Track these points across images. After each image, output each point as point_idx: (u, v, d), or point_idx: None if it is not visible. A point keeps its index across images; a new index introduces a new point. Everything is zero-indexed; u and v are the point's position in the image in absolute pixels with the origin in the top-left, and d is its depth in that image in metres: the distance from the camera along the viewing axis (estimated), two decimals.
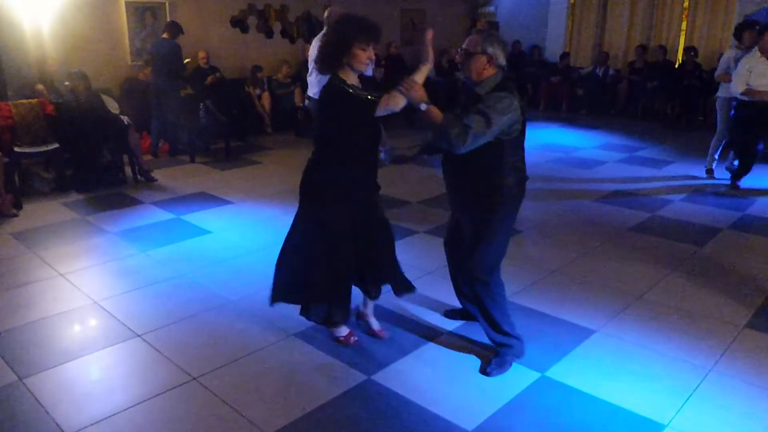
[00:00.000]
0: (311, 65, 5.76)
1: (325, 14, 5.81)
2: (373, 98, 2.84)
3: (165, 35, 7.46)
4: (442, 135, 2.73)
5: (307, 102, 6.08)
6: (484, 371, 3.06)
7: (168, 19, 8.08)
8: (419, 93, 2.78)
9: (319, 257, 3.09)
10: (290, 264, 3.22)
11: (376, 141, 3.09)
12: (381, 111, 2.83)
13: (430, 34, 2.95)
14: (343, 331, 3.32)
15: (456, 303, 3.59)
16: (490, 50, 2.84)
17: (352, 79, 2.94)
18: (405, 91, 2.76)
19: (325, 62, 2.95)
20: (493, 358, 3.12)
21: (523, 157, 3.00)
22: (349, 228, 3.09)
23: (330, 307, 3.17)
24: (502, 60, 2.89)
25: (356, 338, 3.33)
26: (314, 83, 5.71)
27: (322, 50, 2.95)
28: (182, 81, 7.87)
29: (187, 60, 7.95)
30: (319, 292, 3.15)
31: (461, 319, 3.57)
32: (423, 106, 2.78)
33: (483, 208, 2.96)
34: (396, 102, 2.81)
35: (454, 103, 3.07)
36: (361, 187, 3.08)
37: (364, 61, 2.90)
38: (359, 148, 2.99)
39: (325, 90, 2.97)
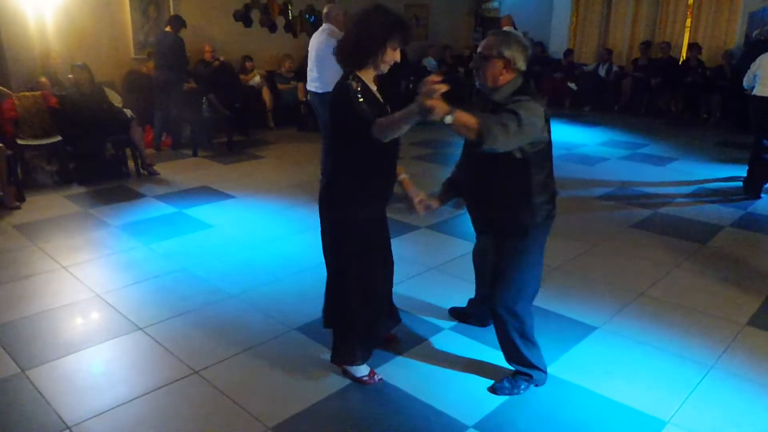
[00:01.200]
0: (311, 59, 5.74)
1: (324, 10, 5.77)
2: (372, 119, 2.52)
3: (168, 29, 7.45)
4: (487, 135, 2.36)
5: (308, 96, 6.07)
6: (492, 389, 2.90)
7: (171, 13, 8.08)
8: (440, 107, 2.25)
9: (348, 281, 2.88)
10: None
11: (390, 148, 2.70)
12: (376, 135, 2.51)
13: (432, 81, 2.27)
14: (364, 369, 2.99)
15: (459, 302, 3.59)
16: (507, 53, 2.55)
17: (369, 79, 2.68)
18: (423, 113, 2.28)
19: (352, 57, 2.63)
20: (506, 378, 2.93)
21: (552, 173, 2.73)
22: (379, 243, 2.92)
23: (355, 341, 2.93)
24: (521, 64, 2.59)
25: (380, 377, 3.00)
26: (315, 77, 5.70)
27: (354, 44, 2.61)
28: (186, 75, 7.87)
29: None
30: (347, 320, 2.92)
31: (462, 321, 3.50)
32: (449, 119, 2.30)
33: (511, 233, 2.71)
34: (394, 129, 2.47)
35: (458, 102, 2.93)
36: (379, 192, 2.84)
37: (391, 62, 2.64)
38: (368, 157, 2.68)
39: (336, 91, 2.67)
